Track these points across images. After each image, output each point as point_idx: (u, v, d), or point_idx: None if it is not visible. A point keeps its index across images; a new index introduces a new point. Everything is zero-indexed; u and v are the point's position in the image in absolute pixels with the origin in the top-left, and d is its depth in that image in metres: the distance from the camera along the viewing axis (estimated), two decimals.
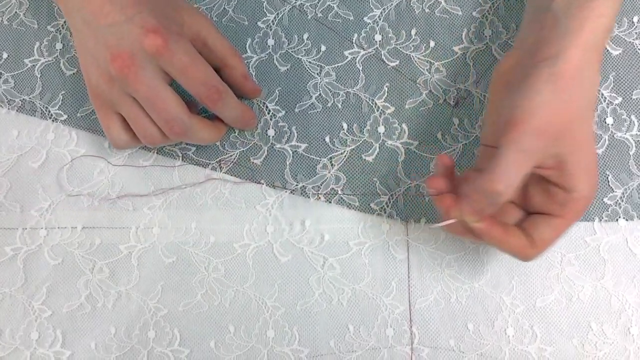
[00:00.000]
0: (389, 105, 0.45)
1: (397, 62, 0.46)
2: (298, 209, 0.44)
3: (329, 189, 0.44)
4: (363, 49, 0.47)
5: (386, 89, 0.46)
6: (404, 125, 0.45)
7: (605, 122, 0.44)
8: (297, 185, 0.44)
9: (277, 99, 0.46)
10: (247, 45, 0.47)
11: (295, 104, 0.46)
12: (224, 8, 0.48)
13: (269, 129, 0.46)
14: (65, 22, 0.48)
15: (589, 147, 0.36)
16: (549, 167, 0.35)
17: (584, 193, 0.35)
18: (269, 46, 0.47)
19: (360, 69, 0.46)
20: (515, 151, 0.33)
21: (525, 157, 0.33)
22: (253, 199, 0.44)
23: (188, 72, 0.37)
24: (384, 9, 0.47)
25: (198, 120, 0.40)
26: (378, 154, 0.45)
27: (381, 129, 0.45)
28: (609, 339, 0.41)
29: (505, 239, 0.35)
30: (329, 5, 0.48)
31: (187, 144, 0.45)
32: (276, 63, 0.47)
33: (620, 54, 0.45)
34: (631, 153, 0.44)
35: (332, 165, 0.45)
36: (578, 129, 0.34)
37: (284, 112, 0.46)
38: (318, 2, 0.48)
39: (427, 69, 0.46)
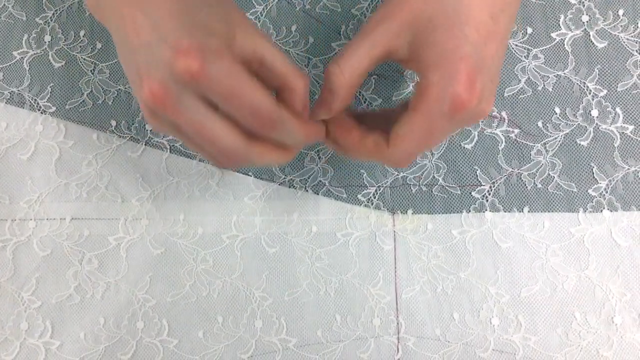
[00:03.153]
0: (377, 97, 0.46)
1: None
2: (286, 201, 0.44)
3: (317, 181, 0.45)
4: None
5: (373, 80, 0.46)
6: None
7: (590, 115, 0.45)
8: (285, 178, 0.45)
9: None
10: None
11: None
12: None
13: None
14: (54, 14, 0.48)
15: (448, 36, 0.31)
16: (404, 58, 0.33)
17: (433, 80, 0.30)
18: None
19: None
20: (360, 37, 0.31)
21: (369, 44, 0.32)
22: (241, 191, 0.45)
23: (232, 99, 0.30)
24: (371, 1, 0.48)
25: (259, 145, 0.33)
26: None
27: None
28: (593, 328, 0.42)
29: (361, 141, 0.34)
30: None
31: None
32: None
33: (605, 46, 0.46)
34: (616, 145, 0.44)
35: (319, 158, 0.45)
36: (437, 16, 0.31)
37: None
38: None
39: None
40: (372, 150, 0.34)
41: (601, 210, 0.43)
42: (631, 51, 0.45)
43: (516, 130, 0.45)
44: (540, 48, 0.46)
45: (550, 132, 0.44)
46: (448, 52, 0.30)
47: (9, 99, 0.47)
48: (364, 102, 0.46)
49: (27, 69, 0.47)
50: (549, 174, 0.44)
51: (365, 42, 0.32)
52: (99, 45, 0.47)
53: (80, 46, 0.47)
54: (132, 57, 0.31)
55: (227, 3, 0.33)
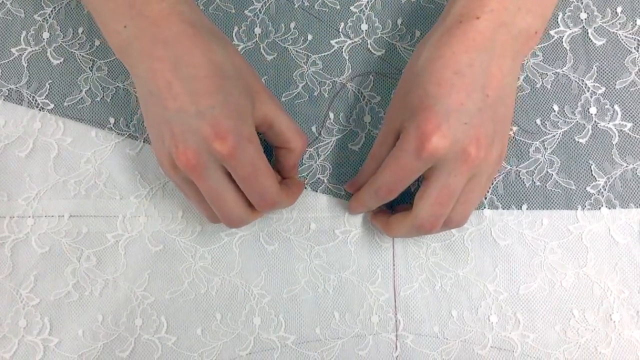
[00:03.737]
0: (375, 95, 0.46)
1: (383, 51, 0.46)
2: None
3: (315, 179, 0.45)
4: (349, 38, 0.47)
5: (372, 78, 0.46)
6: None
7: (589, 112, 0.45)
8: None
9: None
10: (233, 34, 0.47)
11: (282, 93, 0.46)
12: None
13: None
14: (52, 11, 0.48)
15: (415, 95, 0.36)
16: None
17: (406, 127, 0.36)
18: (255, 35, 0.47)
19: (347, 58, 0.46)
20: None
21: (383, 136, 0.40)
22: None
23: (248, 182, 0.36)
24: None
25: (257, 214, 0.40)
26: (364, 143, 0.45)
27: (367, 118, 0.45)
28: (591, 325, 0.42)
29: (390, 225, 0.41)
30: None
31: None
32: (263, 52, 0.47)
33: (603, 44, 0.46)
34: (614, 142, 0.44)
35: (318, 155, 0.45)
36: (410, 83, 0.37)
37: None
38: None
39: None
40: (403, 232, 0.40)
41: (599, 208, 0.43)
42: (629, 48, 0.45)
43: (514, 128, 0.45)
44: (539, 46, 0.46)
45: (549, 130, 0.45)
46: (416, 106, 0.36)
47: (7, 95, 0.47)
48: (363, 100, 0.46)
49: (26, 65, 0.47)
50: (547, 172, 0.44)
51: (380, 137, 0.40)
52: (97, 43, 0.47)
53: (79, 43, 0.47)
54: (163, 115, 0.35)
55: (248, 72, 0.38)
